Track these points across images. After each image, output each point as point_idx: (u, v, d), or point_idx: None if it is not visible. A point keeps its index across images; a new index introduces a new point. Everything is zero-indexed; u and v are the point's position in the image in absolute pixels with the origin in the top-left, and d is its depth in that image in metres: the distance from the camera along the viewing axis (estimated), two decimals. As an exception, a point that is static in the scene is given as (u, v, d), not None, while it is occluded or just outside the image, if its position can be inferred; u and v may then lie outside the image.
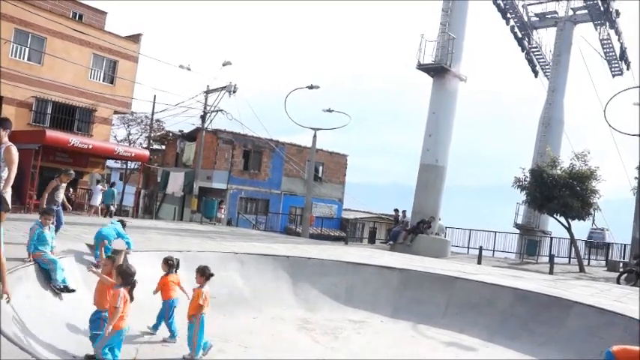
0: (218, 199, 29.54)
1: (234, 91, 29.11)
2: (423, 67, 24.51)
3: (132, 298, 5.89)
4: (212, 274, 6.98)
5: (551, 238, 25.73)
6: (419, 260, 15.29)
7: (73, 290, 7.31)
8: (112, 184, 25.82)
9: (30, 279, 7.00)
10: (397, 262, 13.59)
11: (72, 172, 8.76)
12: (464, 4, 25.07)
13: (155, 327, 7.50)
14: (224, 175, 33.16)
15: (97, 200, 23.10)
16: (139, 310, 7.51)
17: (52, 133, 23.61)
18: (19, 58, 25.66)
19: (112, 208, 24.17)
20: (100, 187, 23.80)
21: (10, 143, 6.77)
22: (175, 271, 7.79)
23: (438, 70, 24.36)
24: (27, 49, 25.88)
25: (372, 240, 29.73)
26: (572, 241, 22.01)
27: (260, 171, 35.31)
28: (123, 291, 5.69)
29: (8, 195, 6.62)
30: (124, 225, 9.81)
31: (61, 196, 10.20)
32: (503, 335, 9.45)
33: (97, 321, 6.18)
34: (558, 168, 20.53)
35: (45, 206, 9.19)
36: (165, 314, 7.43)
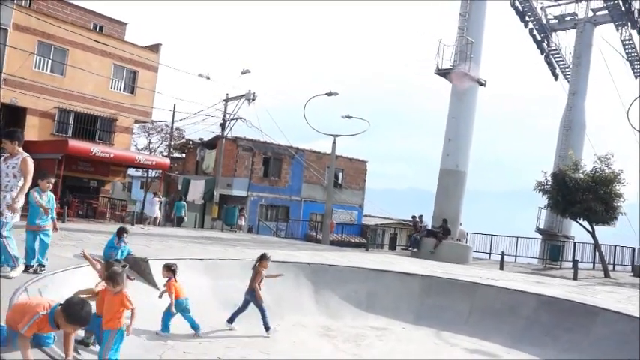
0: (238, 207, 29.67)
1: (253, 99, 29.29)
2: (441, 72, 24.43)
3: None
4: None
5: (575, 243, 25.34)
6: (440, 266, 15.20)
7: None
8: (180, 198, 28.22)
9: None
10: (418, 269, 13.52)
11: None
12: (482, 7, 24.95)
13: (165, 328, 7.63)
14: (244, 183, 33.31)
15: (155, 211, 24.67)
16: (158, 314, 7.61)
17: (75, 143, 23.93)
18: (42, 69, 26.08)
19: (184, 218, 27.03)
20: (156, 199, 25.12)
21: (26, 155, 6.90)
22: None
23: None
24: (50, 61, 26.30)
25: (392, 246, 29.61)
26: (596, 245, 21.71)
27: (280, 178, 35.40)
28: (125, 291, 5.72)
29: (20, 203, 6.79)
30: (125, 232, 9.80)
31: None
32: (527, 342, 9.33)
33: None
34: (581, 171, 20.29)
35: None
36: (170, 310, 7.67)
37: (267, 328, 8.37)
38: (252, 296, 8.42)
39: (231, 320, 8.44)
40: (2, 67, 22.83)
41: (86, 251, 6.88)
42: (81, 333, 6.00)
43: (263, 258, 8.69)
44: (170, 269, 7.83)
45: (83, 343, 6.07)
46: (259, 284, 8.47)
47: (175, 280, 7.77)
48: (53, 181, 7.86)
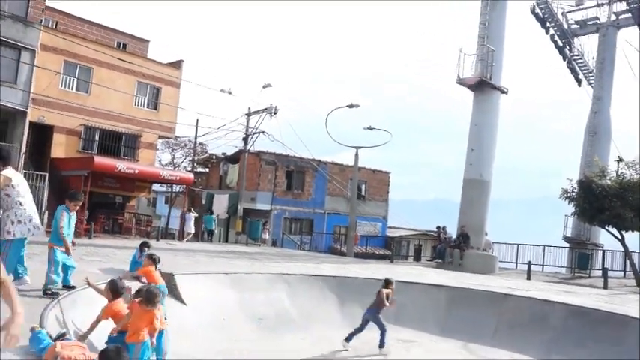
0: (262, 220, 29.77)
1: (275, 113, 29.43)
2: (462, 81, 24.33)
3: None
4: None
5: (604, 251, 24.83)
6: (466, 277, 15.04)
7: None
8: (211, 212, 28.99)
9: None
10: (444, 280, 13.40)
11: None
12: (502, 15, 24.85)
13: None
14: (267, 196, 33.43)
15: (191, 227, 25.55)
16: (191, 330, 7.64)
17: (100, 160, 24.26)
18: (68, 88, 26.57)
19: (214, 231, 28.10)
20: (192, 214, 26.08)
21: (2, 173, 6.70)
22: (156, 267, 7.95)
23: (478, 84, 24.14)
24: (75, 80, 26.80)
25: (417, 258, 29.39)
26: (627, 253, 21.29)
27: (303, 191, 35.46)
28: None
29: None
30: (147, 246, 9.91)
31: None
32: (558, 353, 9.18)
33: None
34: (608, 178, 19.96)
35: None
36: None
37: (382, 345, 8.85)
38: (373, 315, 8.91)
39: (348, 339, 8.84)
40: (31, 86, 23.30)
41: (90, 281, 6.80)
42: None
43: (389, 282, 9.36)
44: (151, 258, 7.92)
45: None
46: (382, 305, 9.05)
47: (155, 269, 7.83)
48: (81, 202, 7.95)
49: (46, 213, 18.85)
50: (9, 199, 6.72)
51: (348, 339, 8.85)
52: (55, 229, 7.49)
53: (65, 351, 4.68)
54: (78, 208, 7.68)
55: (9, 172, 6.75)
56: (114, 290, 6.11)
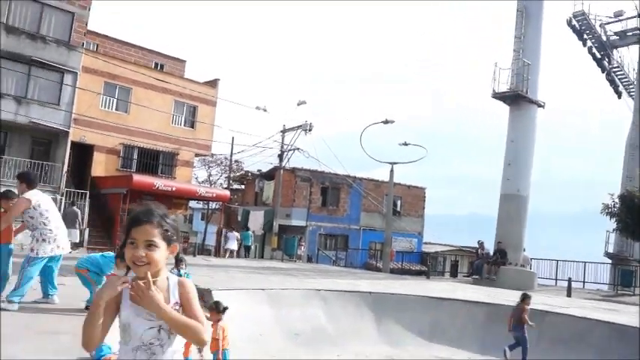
0: (298, 237, 29.87)
1: (309, 130, 29.65)
2: (498, 96, 24.14)
3: None
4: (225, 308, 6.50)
5: (648, 268, 24.16)
6: (504, 294, 14.79)
7: None
8: (247, 228, 29.33)
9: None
10: (482, 296, 13.21)
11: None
12: (538, 29, 24.62)
13: None
14: (303, 213, 33.56)
15: (233, 244, 25.90)
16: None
17: (139, 178, 24.79)
18: (108, 108, 27.31)
19: (251, 247, 28.61)
20: (235, 233, 26.56)
21: (25, 196, 6.92)
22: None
23: (514, 98, 23.91)
24: (115, 100, 27.53)
25: (454, 274, 29.05)
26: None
27: (338, 207, 35.50)
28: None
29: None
30: (181, 261, 9.83)
31: None
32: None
33: None
34: (650, 192, 19.47)
35: None
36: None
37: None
38: (518, 331, 9.38)
39: (511, 348, 9.39)
40: (73, 107, 24.03)
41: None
42: None
43: (526, 297, 9.78)
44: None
45: None
46: (524, 321, 9.45)
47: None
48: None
49: (87, 230, 19.29)
50: (32, 220, 6.88)
51: (511, 348, 9.45)
52: (97, 273, 7.18)
53: None
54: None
55: (31, 193, 6.91)
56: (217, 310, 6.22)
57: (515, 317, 9.45)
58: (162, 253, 2.13)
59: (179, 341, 2.18)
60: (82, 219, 22.27)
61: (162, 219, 2.16)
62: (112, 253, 7.42)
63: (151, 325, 2.10)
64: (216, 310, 6.38)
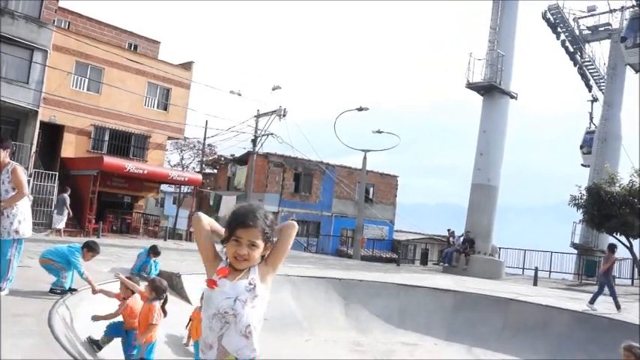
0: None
1: (284, 115, 29.48)
2: (472, 86, 24.33)
3: (165, 313, 5.87)
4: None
5: (612, 258, 24.74)
6: (472, 282, 15.02)
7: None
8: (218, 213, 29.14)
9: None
10: (450, 284, 13.39)
11: None
12: (512, 20, 24.84)
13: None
14: (275, 198, 33.52)
15: None
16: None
17: (110, 160, 24.41)
18: (79, 88, 26.75)
19: None
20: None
21: (16, 164, 6.29)
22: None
23: (487, 89, 24.14)
24: (86, 80, 26.99)
25: (424, 262, 29.35)
26: (635, 261, 21.18)
27: (311, 193, 35.51)
28: (157, 305, 5.72)
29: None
30: (156, 253, 9.79)
31: None
32: (562, 359, 9.15)
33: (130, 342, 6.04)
34: (617, 185, 19.86)
35: None
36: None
37: (617, 307, 11.18)
38: (607, 279, 11.53)
39: (592, 301, 11.02)
40: (42, 86, 23.50)
41: (121, 276, 6.62)
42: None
43: (614, 247, 12.18)
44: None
45: (95, 343, 5.94)
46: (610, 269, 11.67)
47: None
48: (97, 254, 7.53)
49: (55, 212, 18.97)
50: (12, 192, 6.18)
51: (592, 301, 11.04)
52: (71, 267, 7.07)
53: None
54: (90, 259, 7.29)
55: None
56: (156, 289, 5.86)
57: (605, 265, 11.47)
58: (260, 251, 2.43)
59: (258, 319, 2.41)
60: (51, 201, 21.95)
61: (264, 222, 2.43)
62: (77, 245, 7.29)
63: (228, 296, 2.35)
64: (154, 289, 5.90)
